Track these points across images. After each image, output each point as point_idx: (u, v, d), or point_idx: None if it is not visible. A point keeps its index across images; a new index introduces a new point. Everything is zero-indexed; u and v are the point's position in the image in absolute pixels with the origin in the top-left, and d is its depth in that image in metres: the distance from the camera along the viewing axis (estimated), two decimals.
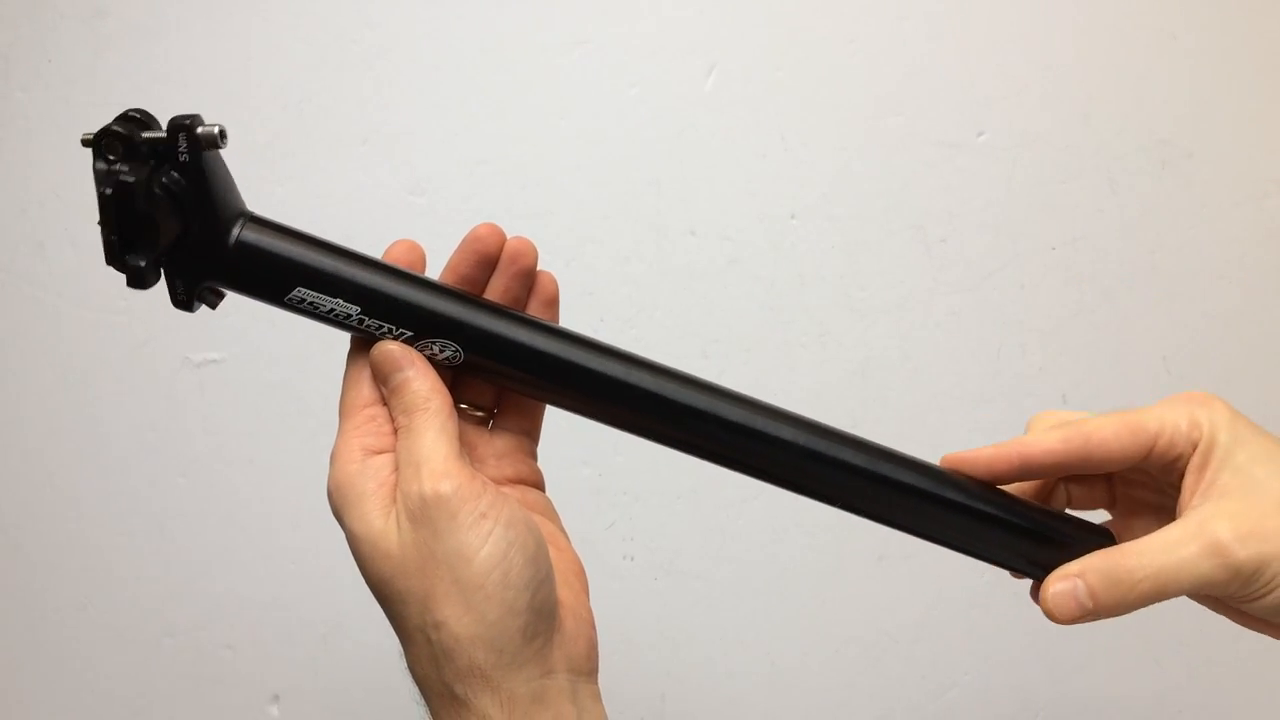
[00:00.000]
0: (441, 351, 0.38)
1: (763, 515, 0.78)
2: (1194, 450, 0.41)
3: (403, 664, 0.36)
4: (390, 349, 0.37)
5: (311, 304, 0.37)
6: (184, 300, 0.37)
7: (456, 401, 0.40)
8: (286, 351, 0.74)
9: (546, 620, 0.35)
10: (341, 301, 0.36)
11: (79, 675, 0.77)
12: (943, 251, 0.77)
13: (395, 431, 0.37)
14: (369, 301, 0.37)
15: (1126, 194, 0.78)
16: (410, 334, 0.37)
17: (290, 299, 0.37)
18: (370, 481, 0.36)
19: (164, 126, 0.36)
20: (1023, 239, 0.78)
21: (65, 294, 0.74)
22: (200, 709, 0.77)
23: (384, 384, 0.38)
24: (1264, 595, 0.38)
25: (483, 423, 0.42)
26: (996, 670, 0.80)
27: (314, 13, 0.73)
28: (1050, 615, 0.41)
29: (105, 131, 0.35)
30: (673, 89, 0.75)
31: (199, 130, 0.35)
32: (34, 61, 0.72)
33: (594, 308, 0.75)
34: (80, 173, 0.75)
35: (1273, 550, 0.38)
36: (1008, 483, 0.43)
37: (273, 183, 0.73)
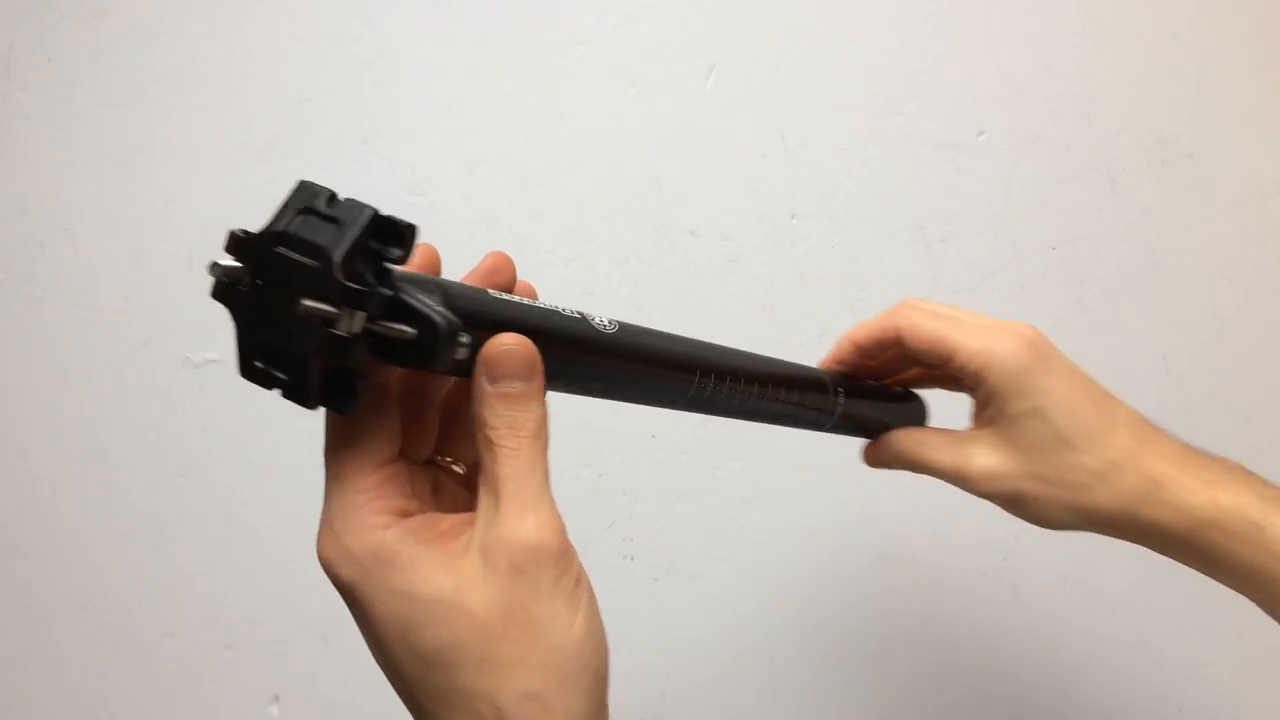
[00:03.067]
0: None
1: (763, 515, 0.78)
2: (983, 381, 0.48)
3: None
4: (519, 349, 0.31)
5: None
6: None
7: (443, 453, 0.36)
8: None
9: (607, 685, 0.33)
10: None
11: (79, 675, 0.77)
12: (943, 251, 0.77)
13: (484, 449, 0.31)
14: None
15: (1126, 194, 0.78)
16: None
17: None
18: (417, 544, 0.30)
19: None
20: (1023, 239, 0.78)
21: (65, 294, 0.74)
22: (200, 709, 0.77)
23: (494, 383, 0.31)
24: (1038, 512, 0.48)
25: (463, 481, 0.37)
26: (996, 671, 0.80)
27: (314, 13, 0.73)
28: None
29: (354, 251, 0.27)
30: (673, 89, 0.75)
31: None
32: (34, 61, 0.72)
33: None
34: (79, 173, 0.75)
35: (1015, 486, 0.47)
36: (854, 361, 0.54)
37: (273, 183, 0.73)
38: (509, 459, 0.31)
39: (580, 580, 0.31)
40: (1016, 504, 0.48)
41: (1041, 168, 0.77)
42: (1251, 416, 0.80)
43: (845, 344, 0.53)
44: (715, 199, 0.76)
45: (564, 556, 0.31)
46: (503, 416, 0.31)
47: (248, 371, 0.29)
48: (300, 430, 0.75)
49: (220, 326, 0.74)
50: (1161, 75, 0.78)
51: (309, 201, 0.28)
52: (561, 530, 0.31)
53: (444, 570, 0.30)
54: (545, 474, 0.31)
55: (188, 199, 0.73)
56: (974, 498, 0.50)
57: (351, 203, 0.28)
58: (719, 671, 0.79)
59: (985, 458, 0.48)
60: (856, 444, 0.56)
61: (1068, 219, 0.78)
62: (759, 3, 0.75)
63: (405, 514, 0.31)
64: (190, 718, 0.77)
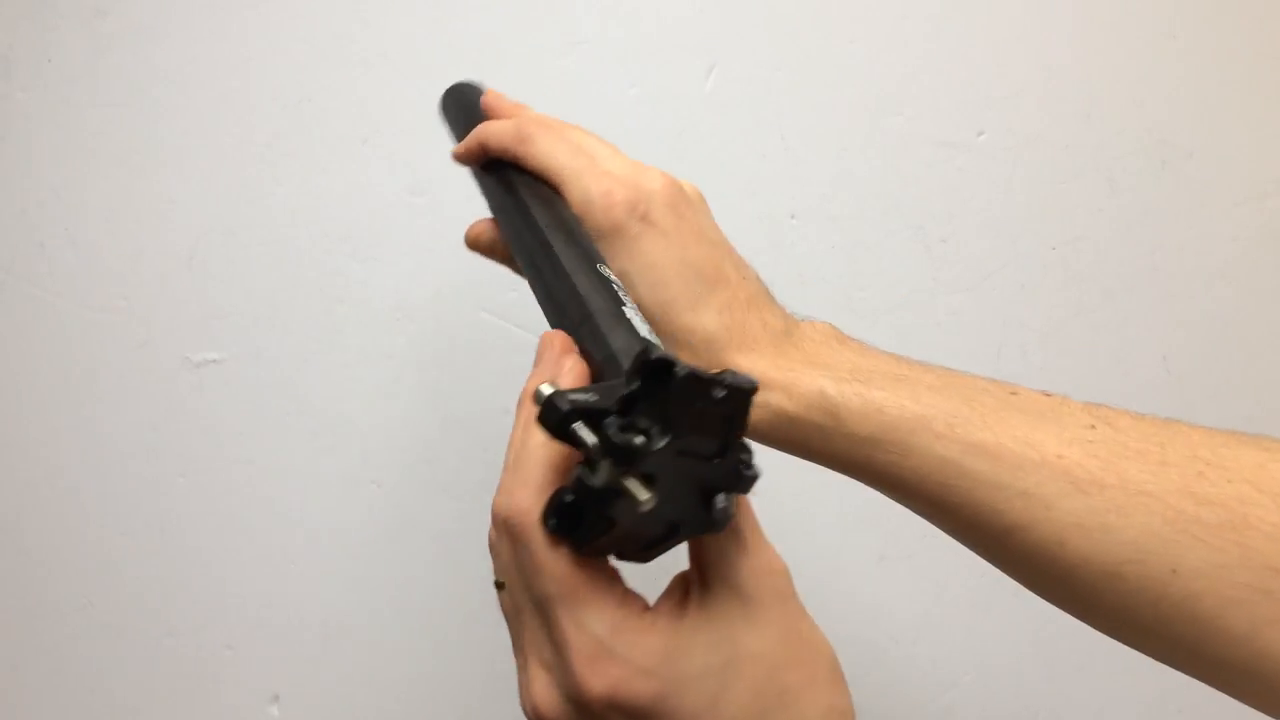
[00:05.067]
0: None
1: (762, 515, 0.78)
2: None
3: None
4: None
5: None
6: None
7: None
8: (286, 351, 0.74)
9: None
10: None
11: (79, 675, 0.77)
12: (943, 251, 0.77)
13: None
14: None
15: (1126, 194, 0.78)
16: None
17: None
18: (677, 622, 0.32)
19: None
20: (1023, 239, 0.78)
21: (65, 294, 0.74)
22: (200, 709, 0.77)
23: None
24: None
25: None
26: (997, 670, 0.80)
27: (313, 13, 0.73)
28: None
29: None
30: (673, 89, 0.75)
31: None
32: (34, 61, 0.72)
33: None
34: (79, 173, 0.75)
35: None
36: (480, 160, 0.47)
37: (273, 183, 0.73)
38: (745, 500, 0.32)
39: None
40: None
41: (1041, 168, 0.77)
42: (1251, 416, 0.80)
43: (475, 144, 0.47)
44: (715, 199, 0.76)
45: None
46: None
47: (665, 531, 0.32)
48: (301, 430, 0.75)
49: (220, 326, 0.75)
50: (1161, 75, 0.78)
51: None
52: None
53: (709, 632, 0.31)
54: None
55: (188, 199, 0.73)
56: None
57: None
58: None
59: None
60: None
61: (1068, 219, 0.78)
62: (759, 3, 0.75)
63: (645, 607, 0.32)
64: (190, 718, 0.77)
